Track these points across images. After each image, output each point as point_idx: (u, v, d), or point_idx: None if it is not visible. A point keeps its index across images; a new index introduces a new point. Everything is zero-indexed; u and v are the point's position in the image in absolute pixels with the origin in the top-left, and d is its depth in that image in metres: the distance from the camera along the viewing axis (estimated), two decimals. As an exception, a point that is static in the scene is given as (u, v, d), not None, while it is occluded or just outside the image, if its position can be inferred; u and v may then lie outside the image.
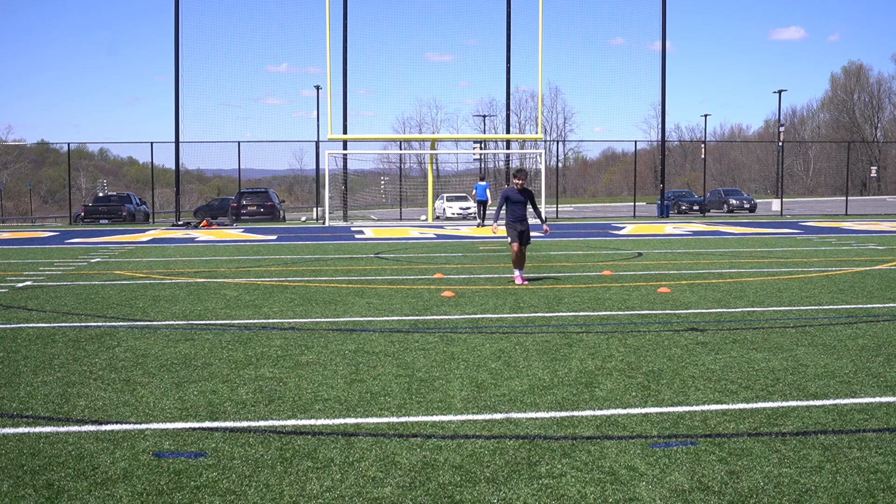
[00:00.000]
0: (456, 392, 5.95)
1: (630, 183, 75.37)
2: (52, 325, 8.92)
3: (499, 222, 13.23)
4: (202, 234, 27.65)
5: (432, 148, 41.76)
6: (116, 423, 5.24)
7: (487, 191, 34.72)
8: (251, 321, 9.08)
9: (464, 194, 45.95)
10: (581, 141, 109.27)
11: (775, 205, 49.24)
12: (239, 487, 4.15)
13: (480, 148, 48.41)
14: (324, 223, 37.42)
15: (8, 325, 8.89)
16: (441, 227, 32.32)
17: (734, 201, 50.49)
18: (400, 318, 9.23)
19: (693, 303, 10.22)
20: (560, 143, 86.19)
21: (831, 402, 5.64)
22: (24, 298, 11.07)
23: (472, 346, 7.56)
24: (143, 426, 5.16)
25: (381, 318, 9.17)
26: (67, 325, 8.93)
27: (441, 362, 6.91)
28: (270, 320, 9.13)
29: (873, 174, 61.71)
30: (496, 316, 9.34)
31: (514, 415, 5.37)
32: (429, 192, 38.43)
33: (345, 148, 40.18)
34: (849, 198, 47.54)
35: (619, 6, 68.11)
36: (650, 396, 5.81)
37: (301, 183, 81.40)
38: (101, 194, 48.71)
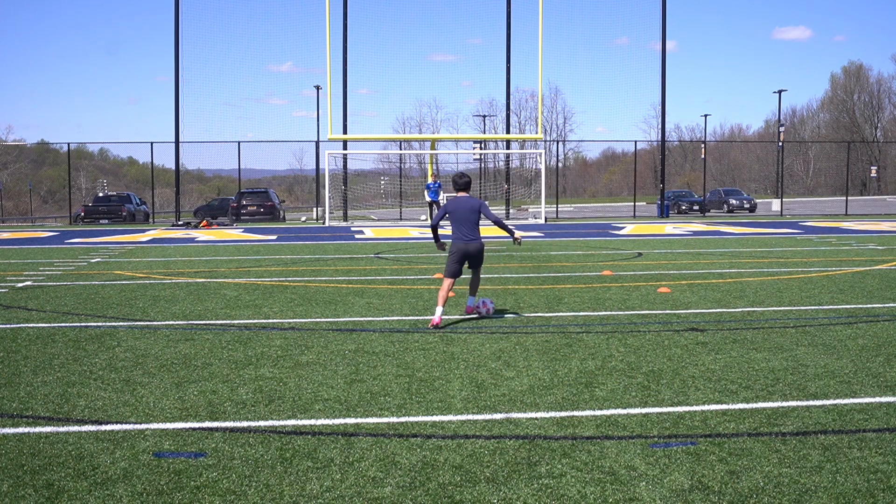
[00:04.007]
0: (456, 392, 5.95)
1: (630, 183, 75.37)
2: (52, 325, 8.92)
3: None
4: (202, 234, 27.64)
5: (432, 148, 41.76)
6: (116, 423, 5.25)
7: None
8: (251, 321, 9.08)
9: None
10: (581, 141, 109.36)
11: (775, 205, 49.23)
12: (239, 487, 4.15)
13: (480, 148, 48.39)
14: (324, 223, 37.42)
15: (8, 325, 8.89)
16: (441, 226, 32.29)
17: (734, 201, 50.47)
18: (400, 318, 9.23)
19: (693, 303, 10.22)
20: (560, 143, 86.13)
21: (831, 402, 5.64)
22: (24, 298, 11.07)
23: (472, 346, 7.56)
24: (143, 426, 5.16)
25: (381, 318, 9.17)
26: (67, 325, 8.93)
27: (441, 362, 6.91)
28: (270, 320, 9.13)
29: (873, 174, 61.67)
30: (496, 316, 9.34)
31: (514, 415, 5.37)
32: (429, 193, 38.38)
33: (345, 148, 40.17)
34: (849, 198, 47.51)
35: (619, 6, 68.05)
36: (650, 396, 5.81)
37: (301, 183, 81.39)
38: (101, 194, 48.66)
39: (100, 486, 4.17)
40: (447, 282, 9.03)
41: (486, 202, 9.62)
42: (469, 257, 9.20)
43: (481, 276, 10.07)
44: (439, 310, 8.64)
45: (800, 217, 39.84)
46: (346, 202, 40.61)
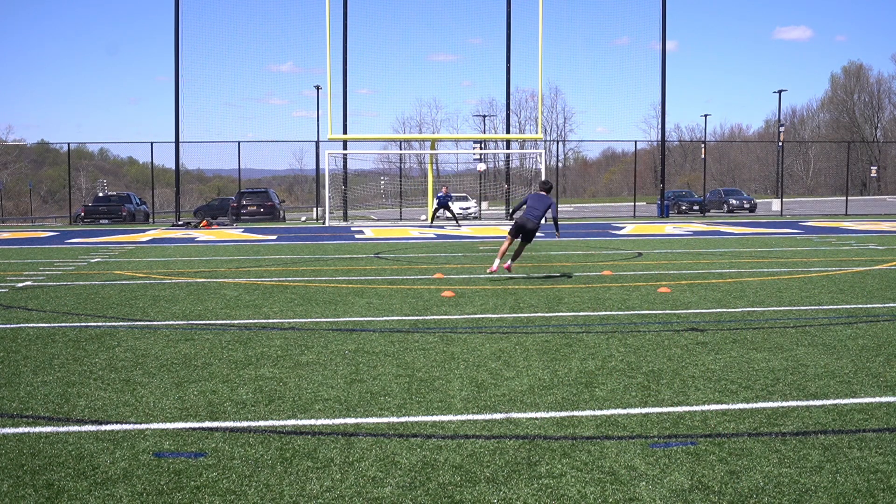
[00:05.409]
0: (456, 392, 5.95)
1: (630, 183, 75.33)
2: (52, 325, 8.92)
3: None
4: (202, 234, 27.64)
5: (432, 148, 41.75)
6: (116, 423, 5.25)
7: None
8: (251, 321, 9.07)
9: (464, 194, 45.96)
10: (581, 141, 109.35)
11: (775, 205, 49.22)
12: (239, 487, 4.15)
13: (480, 148, 48.38)
14: (324, 223, 37.42)
15: (8, 325, 8.89)
16: (441, 226, 32.32)
17: (734, 201, 50.47)
18: (400, 318, 9.23)
19: (693, 303, 10.22)
20: (560, 143, 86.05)
21: (831, 402, 5.64)
22: (24, 298, 11.07)
23: (472, 346, 7.56)
24: (143, 426, 5.16)
25: (381, 318, 9.17)
26: (67, 325, 8.92)
27: (441, 362, 6.91)
28: (270, 320, 9.13)
29: (873, 174, 61.67)
30: (496, 316, 9.34)
31: (514, 415, 5.37)
32: (429, 193, 38.42)
33: (345, 148, 40.18)
34: (849, 198, 47.51)
35: (619, 6, 67.96)
36: (650, 396, 5.81)
37: (301, 183, 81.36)
38: (101, 194, 48.63)
39: (100, 486, 4.17)
40: (506, 241, 12.82)
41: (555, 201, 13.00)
42: (523, 230, 12.58)
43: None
44: (497, 262, 12.58)
45: (800, 217, 39.84)
46: (346, 202, 40.62)
